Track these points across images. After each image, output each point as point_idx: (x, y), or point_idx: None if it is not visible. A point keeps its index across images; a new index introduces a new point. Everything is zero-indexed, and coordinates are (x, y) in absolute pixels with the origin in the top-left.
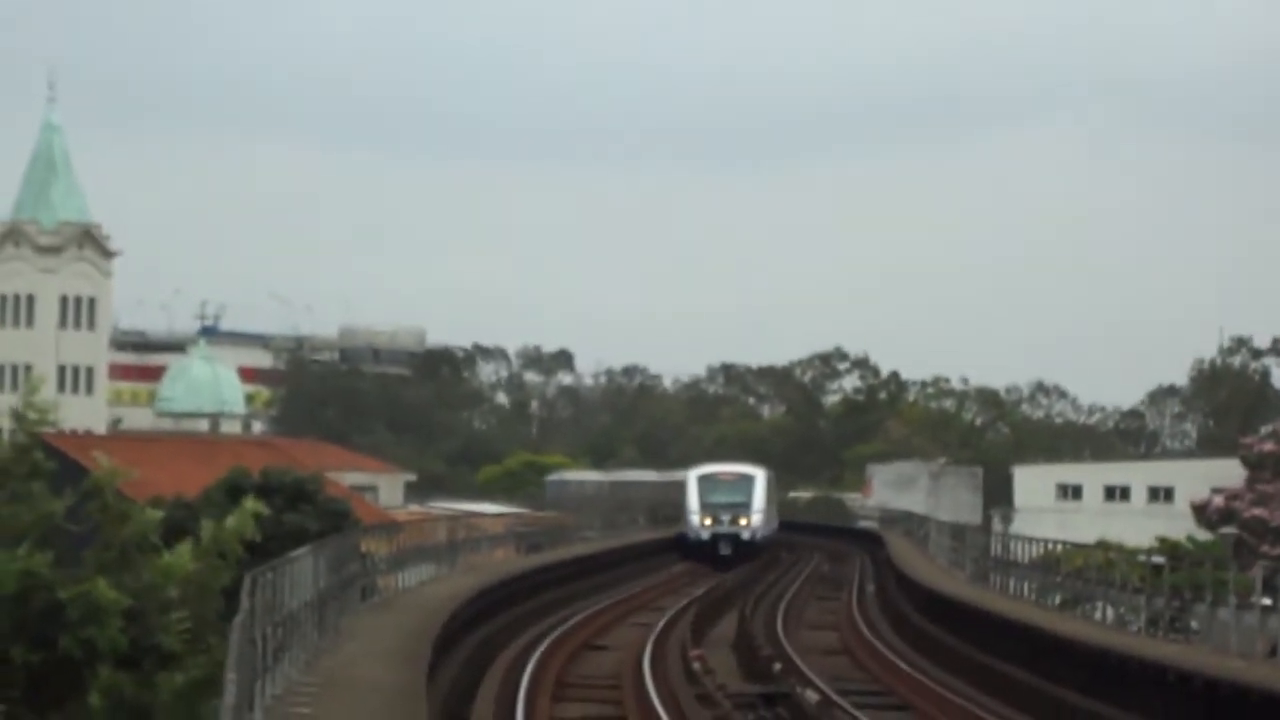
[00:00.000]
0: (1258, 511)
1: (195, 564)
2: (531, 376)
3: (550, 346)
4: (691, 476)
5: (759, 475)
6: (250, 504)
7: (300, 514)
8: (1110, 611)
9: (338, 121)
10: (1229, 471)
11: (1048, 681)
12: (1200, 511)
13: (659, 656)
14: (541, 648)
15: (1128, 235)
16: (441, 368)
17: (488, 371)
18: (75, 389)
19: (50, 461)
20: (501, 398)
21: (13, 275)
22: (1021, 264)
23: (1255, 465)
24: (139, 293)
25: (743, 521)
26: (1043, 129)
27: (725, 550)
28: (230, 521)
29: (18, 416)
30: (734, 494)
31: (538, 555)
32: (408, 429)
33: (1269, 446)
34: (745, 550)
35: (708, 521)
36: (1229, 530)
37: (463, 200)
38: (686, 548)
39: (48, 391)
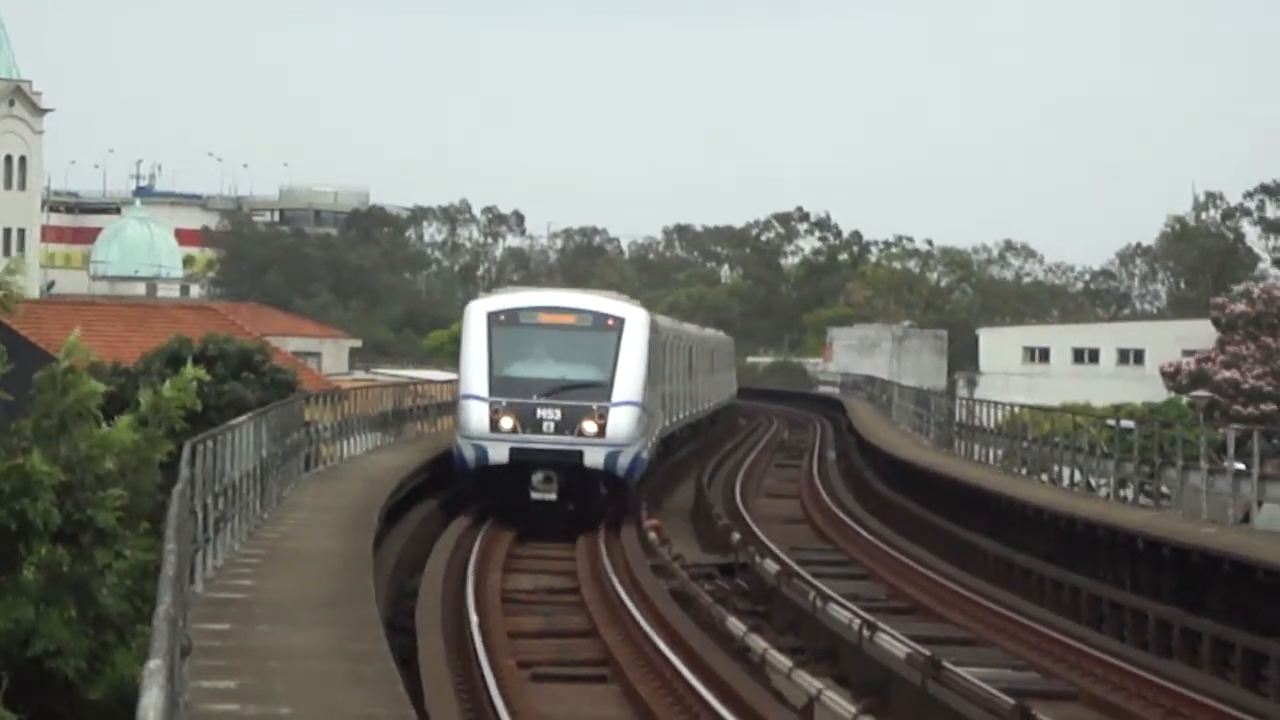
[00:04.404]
0: (1229, 374)
1: (135, 436)
2: (478, 237)
3: (500, 208)
4: (474, 314)
5: (633, 320)
6: (190, 370)
7: (244, 383)
8: (1078, 477)
9: None
10: (1200, 332)
11: (1014, 549)
12: (1171, 376)
13: (613, 526)
14: (493, 517)
15: (1099, 89)
16: (380, 228)
17: (431, 233)
18: (6, 251)
19: None
20: (447, 260)
21: None
22: (988, 118)
23: (1227, 327)
24: (72, 152)
25: (588, 427)
26: None
27: (545, 493)
28: (168, 390)
29: None
30: (571, 359)
31: None
32: (352, 292)
33: (1241, 307)
34: (596, 495)
35: (506, 424)
36: (1202, 393)
37: (411, 57)
38: (467, 482)
39: None
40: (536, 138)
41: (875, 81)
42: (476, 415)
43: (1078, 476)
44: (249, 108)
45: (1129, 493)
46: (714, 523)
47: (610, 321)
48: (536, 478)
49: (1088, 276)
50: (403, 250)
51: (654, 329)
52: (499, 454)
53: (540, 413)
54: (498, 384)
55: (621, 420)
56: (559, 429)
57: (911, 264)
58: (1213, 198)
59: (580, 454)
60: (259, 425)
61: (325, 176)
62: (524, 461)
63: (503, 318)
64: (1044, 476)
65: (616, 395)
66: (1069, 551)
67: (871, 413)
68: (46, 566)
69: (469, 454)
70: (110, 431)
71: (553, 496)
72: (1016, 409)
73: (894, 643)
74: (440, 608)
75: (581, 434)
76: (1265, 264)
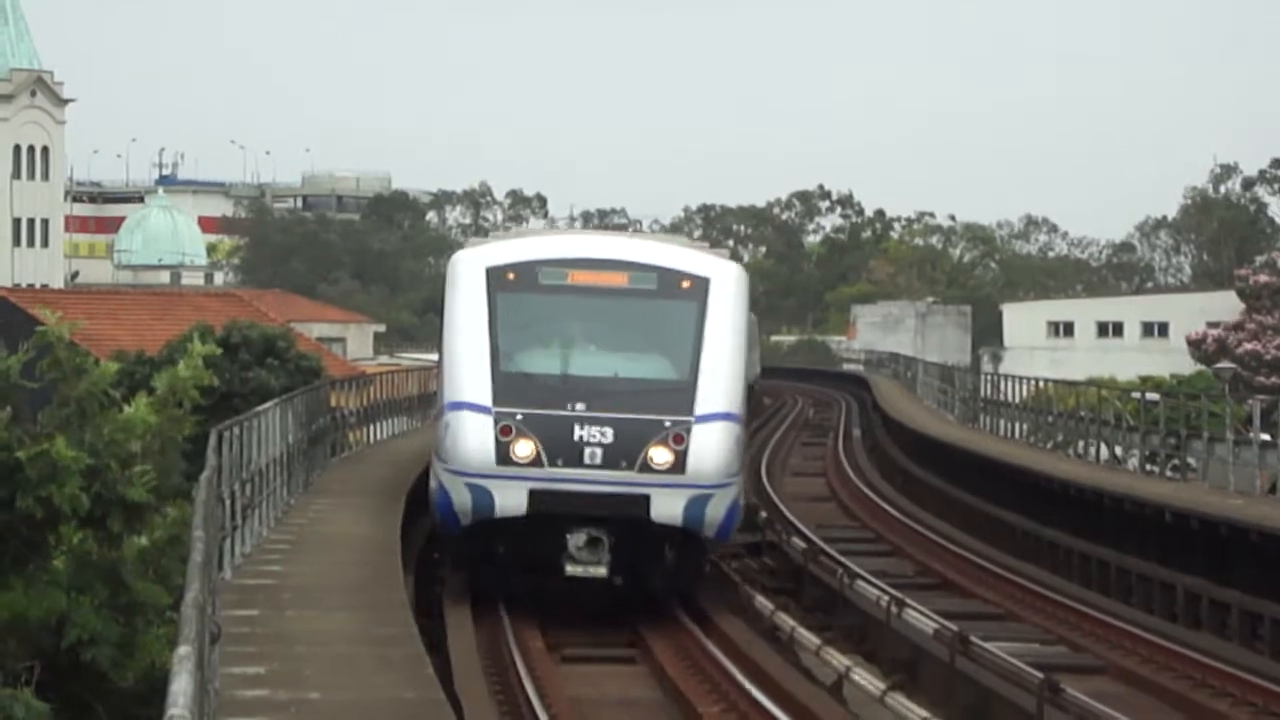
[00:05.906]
0: (1252, 346)
1: (155, 416)
2: (502, 220)
3: (524, 191)
4: (463, 270)
5: (721, 279)
6: (199, 347)
7: (268, 370)
8: (1104, 450)
9: None
10: (1224, 304)
11: (1041, 524)
12: (1196, 346)
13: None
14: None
15: (1117, 61)
16: (402, 213)
17: (455, 216)
18: (31, 242)
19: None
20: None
21: None
22: (1006, 94)
23: (1252, 297)
24: (94, 142)
25: (659, 457)
26: None
27: (590, 564)
28: (183, 369)
29: None
30: (627, 345)
31: None
32: (375, 278)
33: (1264, 278)
34: (660, 563)
35: (523, 452)
36: (1225, 365)
37: (431, 42)
38: (452, 545)
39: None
40: (557, 121)
41: (895, 59)
42: (474, 438)
43: (1104, 450)
44: (271, 94)
45: (1156, 466)
46: None
47: (686, 283)
48: (575, 541)
49: (1109, 250)
50: (425, 234)
51: (741, 299)
52: (512, 501)
53: (580, 432)
54: (507, 386)
55: (712, 445)
56: (610, 460)
57: (934, 240)
58: (1228, 169)
59: (645, 500)
60: (285, 411)
61: (347, 162)
62: (553, 514)
63: (511, 276)
64: (1070, 451)
65: (703, 404)
66: (1096, 525)
67: (896, 390)
68: (76, 554)
69: (461, 501)
70: (131, 414)
71: (603, 571)
72: (1041, 383)
73: (922, 619)
74: (469, 591)
75: (648, 468)
76: None
